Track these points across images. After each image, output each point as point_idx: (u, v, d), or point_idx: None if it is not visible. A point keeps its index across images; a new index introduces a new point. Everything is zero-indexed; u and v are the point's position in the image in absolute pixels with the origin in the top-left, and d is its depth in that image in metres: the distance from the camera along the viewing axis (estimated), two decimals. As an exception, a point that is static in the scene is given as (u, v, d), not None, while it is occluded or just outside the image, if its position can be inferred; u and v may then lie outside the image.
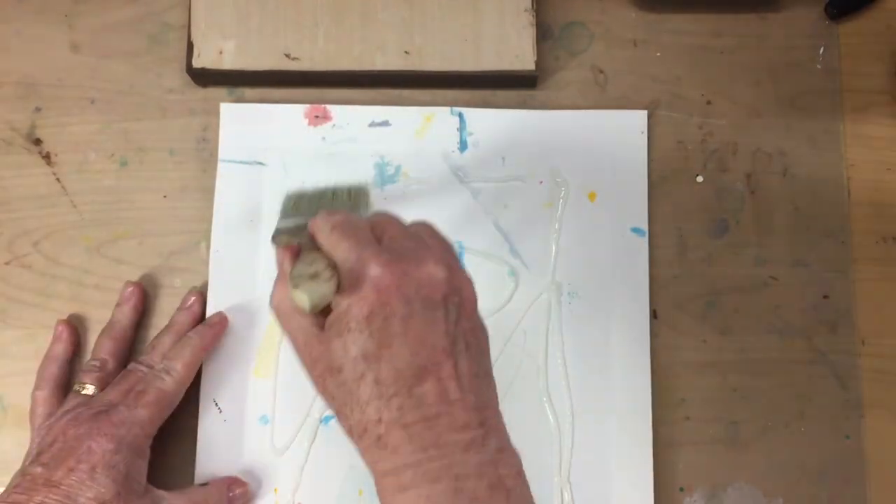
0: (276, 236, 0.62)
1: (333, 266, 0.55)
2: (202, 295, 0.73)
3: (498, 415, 0.54)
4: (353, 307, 0.52)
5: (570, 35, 0.80)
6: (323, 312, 0.55)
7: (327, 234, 0.56)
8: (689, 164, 0.77)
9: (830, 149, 0.78)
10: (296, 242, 0.60)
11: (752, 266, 0.76)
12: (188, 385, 0.69)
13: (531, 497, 0.54)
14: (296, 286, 0.53)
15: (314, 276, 0.54)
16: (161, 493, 0.65)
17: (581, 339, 0.73)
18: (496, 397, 0.55)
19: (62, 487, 0.60)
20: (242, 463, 0.71)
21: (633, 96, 0.78)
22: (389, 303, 0.52)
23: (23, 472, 0.63)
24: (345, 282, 0.53)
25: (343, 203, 0.64)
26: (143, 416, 0.65)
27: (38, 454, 0.63)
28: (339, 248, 0.55)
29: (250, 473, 0.71)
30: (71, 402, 0.67)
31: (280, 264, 0.60)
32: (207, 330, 0.71)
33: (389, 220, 0.58)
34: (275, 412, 0.72)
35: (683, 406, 0.73)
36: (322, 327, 0.54)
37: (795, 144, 0.78)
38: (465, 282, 0.56)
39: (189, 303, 0.73)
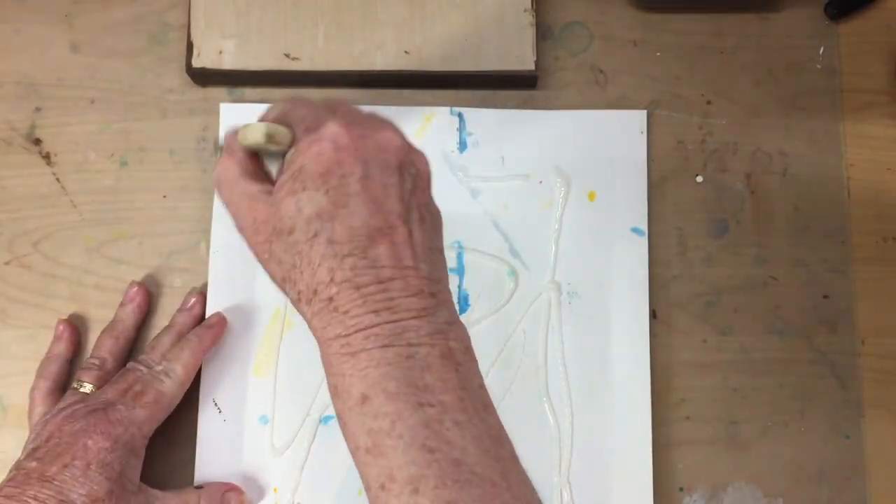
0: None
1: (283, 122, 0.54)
2: (203, 296, 0.73)
3: (448, 291, 0.54)
4: (308, 164, 0.51)
5: (570, 35, 0.80)
6: (270, 181, 0.55)
7: (282, 106, 0.56)
8: (689, 164, 0.77)
9: (830, 149, 0.78)
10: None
11: (752, 266, 0.76)
12: (187, 387, 0.69)
13: (479, 374, 0.52)
14: (248, 128, 0.53)
15: (261, 122, 0.54)
16: (154, 492, 0.66)
17: (581, 338, 0.73)
18: (447, 276, 0.55)
19: (55, 483, 0.61)
20: (242, 463, 0.71)
21: (633, 96, 0.78)
22: (347, 161, 0.51)
23: (17, 467, 0.63)
24: (301, 140, 0.53)
25: None
26: (140, 416, 0.65)
27: (34, 449, 0.63)
28: (296, 111, 0.54)
29: (250, 473, 0.71)
30: (68, 399, 0.67)
31: (227, 142, 0.57)
32: (206, 331, 0.71)
33: (342, 100, 0.58)
34: (274, 412, 0.72)
35: (683, 406, 0.73)
36: (265, 192, 0.54)
37: (795, 144, 0.78)
38: (420, 156, 0.55)
39: (189, 304, 0.73)
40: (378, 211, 0.51)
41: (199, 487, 0.68)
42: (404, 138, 0.54)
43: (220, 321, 0.72)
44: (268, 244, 0.53)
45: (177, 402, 0.68)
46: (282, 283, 0.53)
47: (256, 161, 0.56)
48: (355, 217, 0.50)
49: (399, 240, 0.51)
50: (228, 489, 0.69)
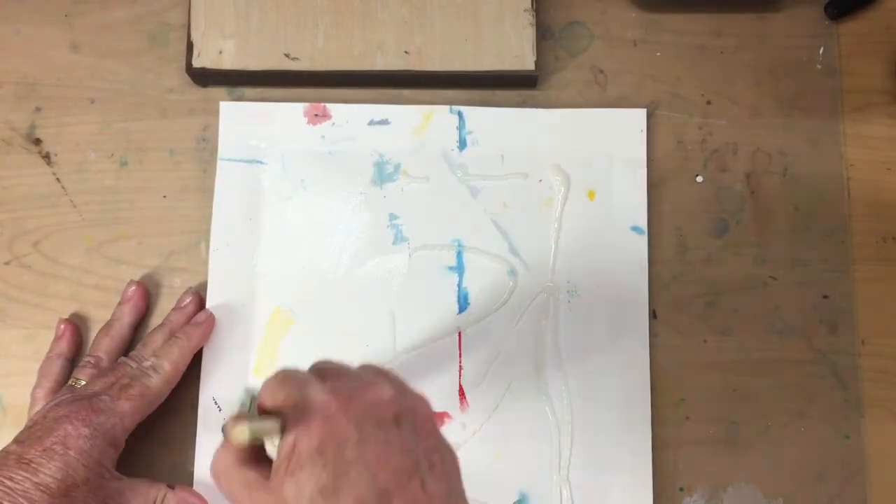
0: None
1: (276, 414, 0.52)
2: (198, 295, 0.73)
3: None
4: (301, 440, 0.49)
5: (570, 35, 0.80)
6: (268, 465, 0.52)
7: (269, 386, 0.53)
8: (689, 164, 0.77)
9: (830, 149, 0.78)
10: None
11: (752, 266, 0.76)
12: (174, 384, 0.69)
13: None
14: (234, 424, 0.50)
15: (251, 419, 0.51)
16: (127, 482, 0.65)
17: (580, 337, 0.73)
18: None
19: (32, 466, 0.61)
20: (242, 463, 0.71)
21: (633, 96, 0.78)
22: (339, 429, 0.49)
23: (2, 449, 0.63)
24: (290, 420, 0.50)
25: None
26: (124, 407, 0.65)
27: (19, 434, 0.64)
28: (281, 390, 0.52)
29: (249, 473, 0.71)
30: (62, 395, 0.67)
31: (226, 432, 0.52)
32: (194, 329, 0.71)
33: (330, 363, 0.56)
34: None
35: (683, 406, 0.73)
36: (263, 478, 0.51)
37: (795, 144, 0.78)
38: (417, 400, 0.53)
39: (184, 303, 0.73)
40: (382, 472, 0.48)
41: (171, 487, 0.68)
42: (396, 387, 0.52)
43: (208, 319, 0.72)
44: None
45: (162, 398, 0.68)
46: None
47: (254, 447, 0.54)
48: (360, 485, 0.48)
49: (412, 496, 0.48)
50: (194, 499, 0.68)
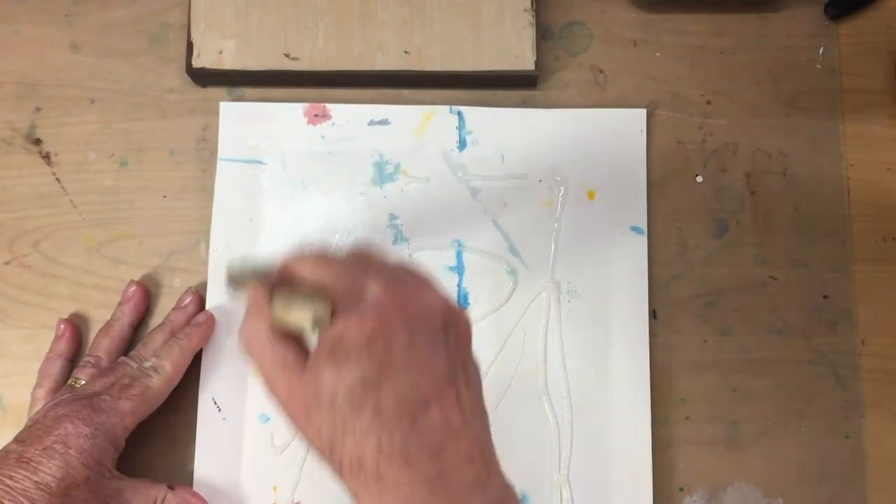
0: (235, 277, 0.58)
1: (315, 292, 0.51)
2: (198, 295, 0.73)
3: (495, 454, 0.51)
4: (351, 329, 0.48)
5: (570, 35, 0.80)
6: (299, 342, 0.52)
7: (312, 263, 0.53)
8: (689, 164, 0.77)
9: (830, 149, 0.78)
10: (252, 281, 0.56)
11: (752, 266, 0.75)
12: (175, 384, 0.69)
13: None
14: (288, 307, 0.51)
15: (304, 298, 0.51)
16: (127, 482, 0.65)
17: (580, 337, 0.73)
18: (491, 436, 0.51)
19: (32, 464, 0.61)
20: (242, 461, 0.71)
21: (633, 96, 0.78)
22: (391, 326, 0.48)
23: (2, 449, 0.63)
24: (339, 304, 0.50)
25: None
26: (125, 407, 0.65)
27: (19, 433, 0.64)
28: (330, 272, 0.52)
29: (249, 472, 0.71)
30: (62, 394, 0.67)
31: (251, 298, 0.54)
32: (194, 330, 0.71)
33: (372, 249, 0.55)
34: (274, 410, 0.72)
35: (683, 406, 0.73)
36: (299, 360, 0.51)
37: (795, 144, 0.78)
38: (462, 315, 0.53)
39: (185, 302, 0.73)
40: (425, 376, 0.48)
41: (172, 488, 0.68)
42: (445, 296, 0.52)
43: (209, 319, 0.72)
44: (305, 413, 0.49)
45: (162, 398, 0.68)
46: (321, 453, 0.50)
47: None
48: (402, 384, 0.47)
49: (448, 404, 0.48)
50: (194, 501, 0.68)
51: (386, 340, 0.48)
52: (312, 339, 0.51)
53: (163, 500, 0.67)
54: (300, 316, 0.50)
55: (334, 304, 0.50)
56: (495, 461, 0.50)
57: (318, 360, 0.49)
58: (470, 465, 0.48)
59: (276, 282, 0.54)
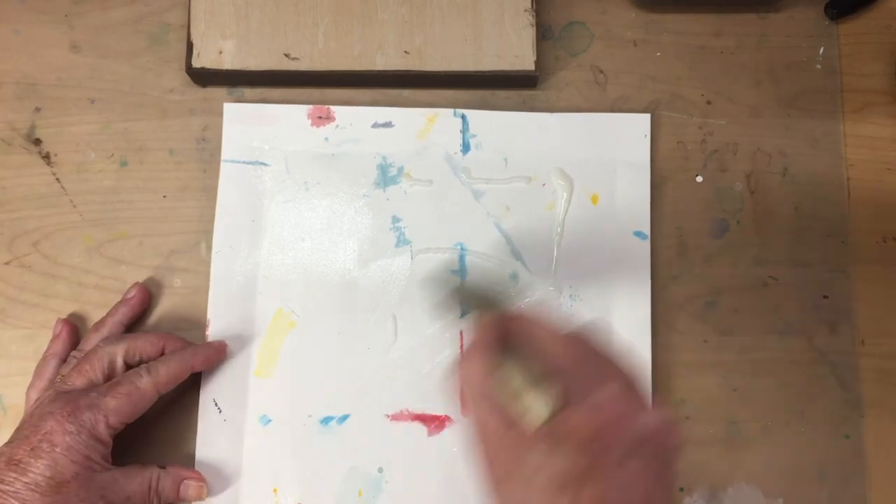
0: (454, 301, 0.60)
1: (550, 378, 0.51)
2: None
3: None
4: (576, 419, 0.49)
5: (570, 35, 0.80)
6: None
7: (551, 334, 0.53)
8: (689, 164, 0.77)
9: (830, 149, 0.78)
10: (478, 314, 0.58)
11: (752, 266, 0.76)
12: (163, 392, 0.68)
13: None
14: (524, 390, 0.51)
15: (537, 381, 0.51)
16: (120, 471, 0.66)
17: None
18: None
19: (21, 466, 0.61)
20: (242, 462, 0.71)
21: (633, 96, 0.78)
22: (614, 432, 0.49)
23: None
24: (571, 388, 0.50)
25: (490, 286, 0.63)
26: (110, 404, 0.65)
27: (11, 436, 0.65)
28: (569, 354, 0.52)
29: (250, 473, 0.71)
30: (47, 393, 0.67)
31: (483, 335, 0.55)
32: (202, 349, 0.71)
33: (599, 342, 0.55)
34: (275, 412, 0.72)
35: (683, 406, 0.73)
36: (512, 419, 0.51)
37: (795, 144, 0.78)
38: (676, 432, 0.52)
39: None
40: (624, 492, 0.48)
41: (163, 468, 0.68)
42: (668, 415, 0.52)
43: (221, 347, 0.72)
44: (504, 475, 0.50)
45: (148, 402, 0.67)
46: None
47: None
48: (603, 491, 0.48)
49: None
50: (189, 476, 0.69)
51: (604, 444, 0.48)
52: (526, 397, 0.51)
53: (157, 480, 0.67)
54: (536, 405, 0.50)
55: (563, 391, 0.50)
56: None
57: (532, 434, 0.49)
58: None
59: (508, 330, 0.54)
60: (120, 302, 0.73)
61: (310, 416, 0.72)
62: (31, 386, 0.69)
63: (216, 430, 0.72)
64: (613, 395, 0.50)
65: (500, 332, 0.54)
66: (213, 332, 0.73)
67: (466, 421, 0.53)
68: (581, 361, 0.52)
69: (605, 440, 0.48)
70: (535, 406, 0.50)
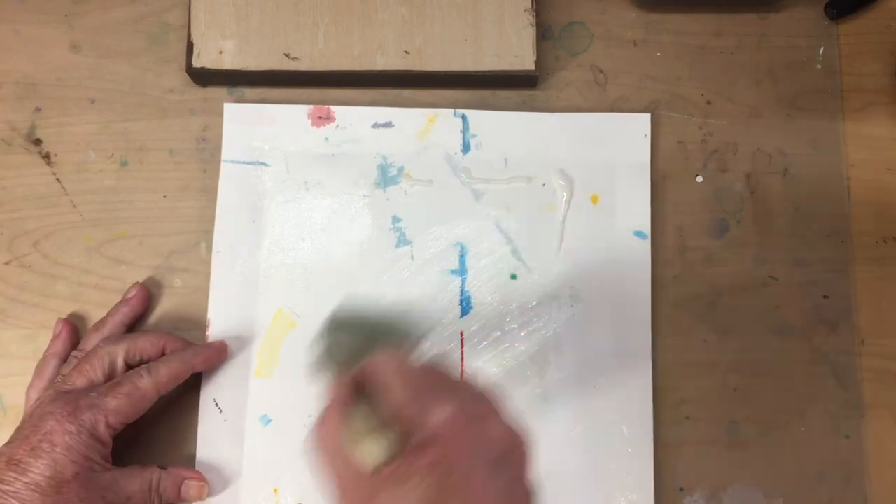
0: (324, 364, 0.60)
1: (393, 418, 0.52)
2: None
3: None
4: (415, 454, 0.50)
5: (570, 35, 0.80)
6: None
7: (390, 375, 0.54)
8: (689, 164, 0.77)
9: (830, 149, 0.78)
10: (340, 373, 0.58)
11: (752, 266, 0.76)
12: (164, 392, 0.68)
13: None
14: (358, 441, 0.52)
15: (374, 431, 0.52)
16: (120, 471, 0.66)
17: (582, 340, 0.73)
18: None
19: (21, 466, 0.61)
20: (242, 463, 0.71)
21: (633, 96, 0.78)
22: (452, 456, 0.50)
23: None
24: (407, 426, 0.51)
25: (388, 331, 0.62)
26: (111, 404, 0.65)
27: (11, 436, 0.65)
28: (404, 390, 0.52)
29: (250, 473, 0.71)
30: (47, 393, 0.67)
31: (335, 395, 0.56)
32: (203, 349, 0.71)
33: (445, 370, 0.56)
34: (275, 412, 0.72)
35: (683, 406, 0.73)
36: (362, 472, 0.52)
37: (795, 144, 0.78)
38: (522, 438, 0.54)
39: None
40: None
41: (163, 468, 0.68)
42: (507, 422, 0.53)
43: (221, 347, 0.72)
44: None
45: (149, 403, 0.67)
46: None
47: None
48: None
49: None
50: (190, 476, 0.69)
51: (445, 469, 0.49)
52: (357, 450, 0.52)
53: (158, 480, 0.67)
54: (366, 453, 0.51)
55: (404, 427, 0.51)
56: None
57: (381, 477, 0.50)
58: None
59: (357, 381, 0.55)
60: (120, 302, 0.73)
61: (310, 416, 0.72)
62: (30, 386, 0.69)
63: (216, 431, 0.72)
64: (447, 418, 0.50)
65: (351, 388, 0.55)
66: (214, 332, 0.73)
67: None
68: (412, 398, 0.52)
69: (447, 463, 0.49)
70: (374, 449, 0.51)
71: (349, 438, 0.52)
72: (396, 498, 0.49)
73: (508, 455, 0.52)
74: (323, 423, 0.55)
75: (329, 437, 0.54)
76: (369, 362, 0.56)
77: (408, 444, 0.50)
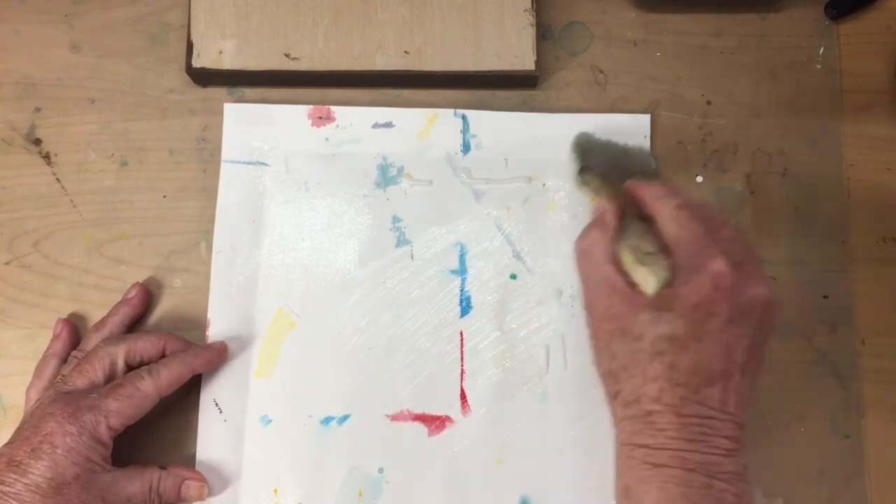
0: (585, 176, 0.65)
1: (664, 249, 0.57)
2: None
3: (746, 434, 0.56)
4: (686, 288, 0.54)
5: (570, 35, 0.80)
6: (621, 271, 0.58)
7: (672, 210, 0.58)
8: (689, 164, 0.77)
9: (830, 149, 0.78)
10: (604, 193, 0.63)
11: (752, 266, 0.76)
12: (165, 394, 0.68)
13: None
14: (639, 261, 0.56)
15: (652, 255, 0.56)
16: (121, 472, 0.66)
17: (582, 341, 0.73)
18: (749, 420, 0.56)
19: (21, 467, 0.61)
20: (242, 463, 0.71)
21: (633, 96, 0.78)
22: (719, 303, 0.54)
23: None
24: (682, 262, 0.56)
25: (633, 161, 0.68)
26: (112, 406, 0.65)
27: (11, 436, 0.65)
28: (686, 229, 0.57)
29: (250, 473, 0.71)
30: (48, 393, 0.67)
31: (603, 213, 0.61)
32: (203, 351, 0.71)
33: (722, 219, 0.59)
34: (275, 412, 0.72)
35: (683, 406, 0.73)
36: (624, 288, 0.57)
37: (795, 144, 0.78)
38: (777, 310, 0.57)
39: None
40: (725, 357, 0.54)
41: (163, 468, 0.68)
42: (771, 291, 0.56)
43: (222, 348, 0.72)
44: (609, 336, 0.56)
45: (150, 405, 0.67)
46: (606, 373, 0.57)
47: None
48: (703, 355, 0.53)
49: (732, 387, 0.54)
50: (190, 476, 0.69)
51: (708, 313, 0.54)
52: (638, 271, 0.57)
53: (158, 481, 0.67)
54: (647, 278, 0.56)
55: (677, 263, 0.56)
56: (746, 442, 0.55)
57: (643, 299, 0.56)
58: (728, 440, 0.54)
59: (629, 205, 0.61)
60: (120, 302, 0.73)
61: (310, 416, 0.72)
62: (30, 386, 0.69)
63: (217, 431, 0.72)
64: (719, 270, 0.54)
65: (621, 209, 0.60)
66: (214, 332, 0.73)
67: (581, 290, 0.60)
68: (695, 237, 0.56)
69: (707, 311, 0.54)
70: (646, 279, 0.55)
71: (625, 257, 0.57)
72: (655, 322, 0.54)
73: (763, 318, 0.56)
74: (589, 235, 0.60)
75: (595, 251, 0.59)
76: (646, 187, 0.60)
77: (678, 275, 0.55)
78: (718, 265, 0.54)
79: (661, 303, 0.55)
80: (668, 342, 0.53)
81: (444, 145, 0.76)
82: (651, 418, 0.53)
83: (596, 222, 0.61)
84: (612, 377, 0.56)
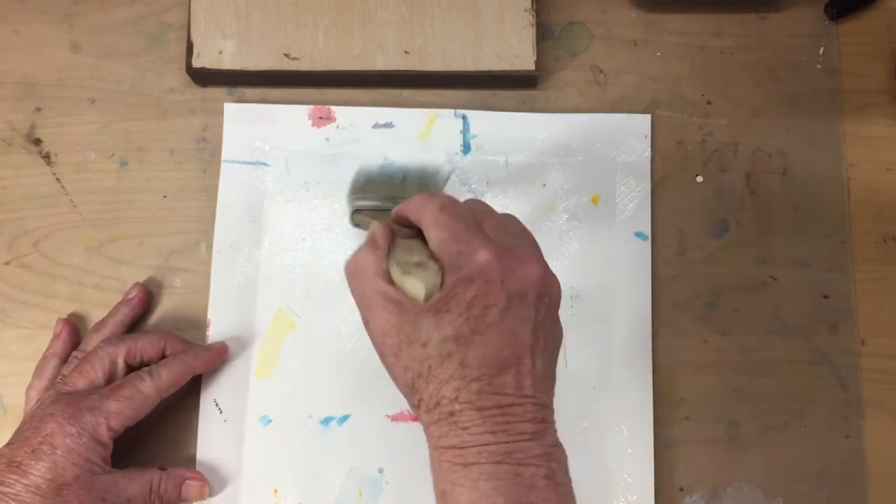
0: (356, 215, 0.67)
1: (433, 256, 0.57)
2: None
3: (553, 414, 0.56)
4: (458, 288, 0.54)
5: (570, 35, 0.80)
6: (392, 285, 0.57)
7: (433, 214, 0.58)
8: (689, 164, 0.77)
9: (830, 149, 0.78)
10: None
11: (752, 266, 0.76)
12: (165, 395, 0.68)
13: (574, 496, 0.56)
14: (406, 273, 0.56)
15: (419, 265, 0.56)
16: (121, 473, 0.65)
17: (583, 341, 0.73)
18: (553, 400, 0.57)
19: (21, 468, 0.61)
20: (242, 463, 0.71)
21: (633, 96, 0.78)
22: (492, 293, 0.53)
23: None
24: (449, 262, 0.55)
25: (413, 189, 0.68)
26: (112, 407, 0.65)
27: (11, 437, 0.65)
28: (447, 230, 0.56)
29: (250, 473, 0.71)
30: (48, 394, 0.67)
31: (373, 235, 0.60)
32: (203, 352, 0.71)
33: (486, 209, 0.60)
34: (275, 412, 0.72)
35: (683, 406, 0.73)
36: (398, 300, 0.56)
37: (795, 144, 0.78)
38: (555, 283, 0.58)
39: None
40: (511, 342, 0.54)
41: (163, 469, 0.68)
42: (545, 267, 0.57)
43: (222, 349, 0.72)
44: (396, 349, 0.55)
45: (150, 406, 0.67)
46: (403, 386, 0.56)
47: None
48: (489, 346, 0.53)
49: (524, 370, 0.54)
50: (190, 476, 0.69)
51: (484, 306, 0.53)
52: (405, 282, 0.56)
53: (158, 482, 0.67)
54: (414, 286, 0.55)
55: (445, 265, 0.55)
56: (552, 420, 0.56)
57: (420, 306, 0.55)
58: (531, 423, 0.53)
59: (396, 225, 0.61)
60: (121, 302, 0.73)
61: (310, 416, 0.72)
62: (30, 386, 0.69)
63: (217, 431, 0.72)
64: (485, 261, 0.54)
65: (392, 231, 0.60)
66: (214, 332, 0.73)
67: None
68: (457, 235, 0.56)
69: (483, 304, 0.53)
70: (414, 287, 0.55)
71: (395, 270, 0.57)
72: (436, 326, 0.54)
73: (543, 295, 0.56)
74: (357, 254, 0.60)
75: (366, 271, 0.58)
76: (409, 203, 0.60)
77: (449, 276, 0.55)
78: (483, 256, 0.54)
79: (439, 306, 0.54)
80: (453, 342, 0.53)
81: (445, 146, 0.76)
82: (454, 418, 0.53)
83: (366, 243, 0.60)
84: (409, 389, 0.55)
